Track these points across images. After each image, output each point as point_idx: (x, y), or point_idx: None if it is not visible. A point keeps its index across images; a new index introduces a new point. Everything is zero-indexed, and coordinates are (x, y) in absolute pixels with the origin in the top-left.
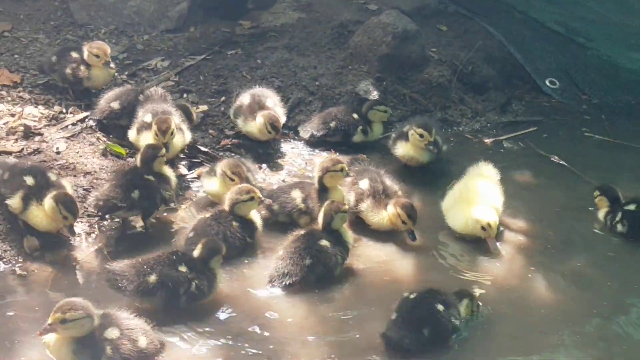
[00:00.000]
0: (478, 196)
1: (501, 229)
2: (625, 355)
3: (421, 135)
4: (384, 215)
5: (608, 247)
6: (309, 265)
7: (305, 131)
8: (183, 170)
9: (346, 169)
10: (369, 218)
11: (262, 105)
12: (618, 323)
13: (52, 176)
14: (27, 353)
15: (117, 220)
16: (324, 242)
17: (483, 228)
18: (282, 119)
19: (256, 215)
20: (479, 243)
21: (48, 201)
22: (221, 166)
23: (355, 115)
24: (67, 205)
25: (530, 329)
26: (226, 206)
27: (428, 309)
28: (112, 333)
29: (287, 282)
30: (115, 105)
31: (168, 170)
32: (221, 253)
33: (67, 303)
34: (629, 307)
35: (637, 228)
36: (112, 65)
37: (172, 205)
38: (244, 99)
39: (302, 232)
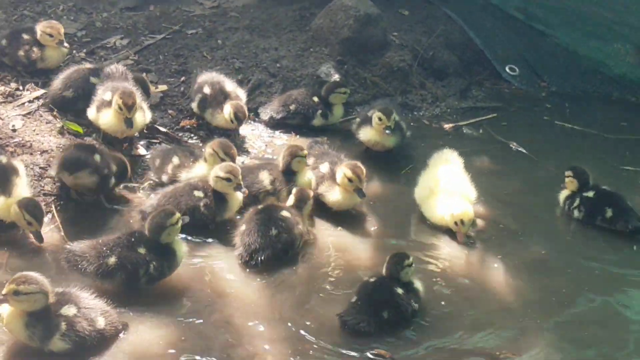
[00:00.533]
0: (453, 188)
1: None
2: (583, 339)
3: (379, 119)
4: (336, 189)
5: (566, 232)
6: (276, 235)
7: (265, 113)
8: (141, 150)
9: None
10: (325, 197)
11: (225, 93)
12: (575, 308)
13: (3, 158)
14: None
15: (72, 198)
16: (285, 213)
17: (456, 223)
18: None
19: (235, 197)
20: (442, 229)
21: (13, 207)
22: (212, 146)
23: (315, 99)
24: (31, 211)
25: (488, 313)
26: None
27: (388, 292)
28: (68, 310)
29: (261, 258)
30: (68, 93)
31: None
32: (171, 225)
33: (23, 276)
34: (586, 293)
35: (593, 215)
36: (65, 44)
37: (129, 184)
38: (205, 89)
39: (260, 206)
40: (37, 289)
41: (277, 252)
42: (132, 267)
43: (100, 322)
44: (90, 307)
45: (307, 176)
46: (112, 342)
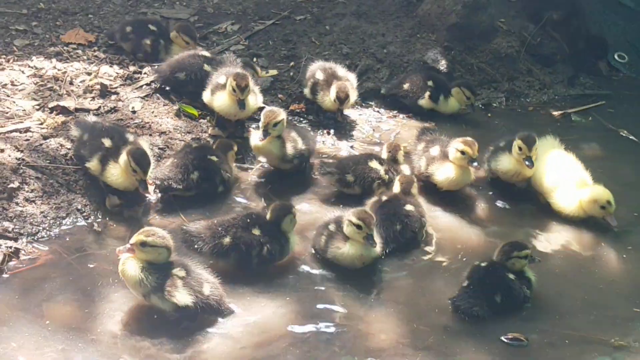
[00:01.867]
0: (578, 175)
1: None
2: None
3: (519, 148)
4: (448, 166)
5: None
6: (400, 231)
7: (383, 89)
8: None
9: None
10: (436, 177)
11: (337, 77)
12: None
13: (130, 136)
14: (111, 302)
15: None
16: (409, 207)
17: (603, 207)
18: (354, 91)
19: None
20: (555, 217)
21: (123, 155)
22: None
23: (430, 82)
24: (137, 159)
25: (598, 298)
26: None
27: (499, 277)
28: (180, 272)
29: (386, 251)
30: (181, 75)
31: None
32: (291, 214)
33: (150, 229)
34: None
35: None
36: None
37: (241, 165)
38: (317, 74)
39: (384, 197)
40: (163, 242)
41: (400, 246)
42: (246, 248)
43: (206, 289)
44: (199, 274)
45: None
46: (226, 315)
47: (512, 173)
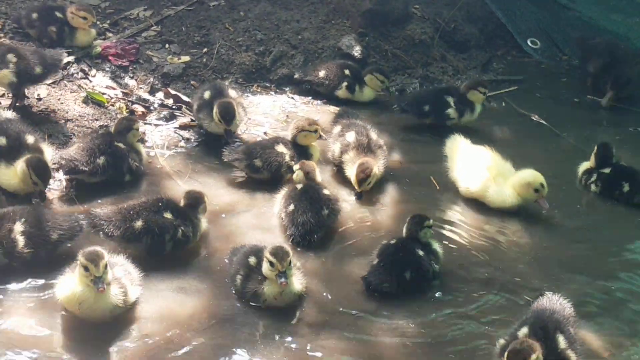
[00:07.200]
0: (504, 167)
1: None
2: (598, 304)
3: None
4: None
5: (585, 203)
6: (328, 215)
7: (298, 72)
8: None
9: (320, 130)
10: (346, 171)
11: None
12: (591, 275)
13: (30, 138)
14: None
15: None
16: (327, 191)
17: (536, 190)
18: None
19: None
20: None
21: (20, 164)
22: None
23: (347, 72)
24: (39, 171)
25: (506, 273)
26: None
27: (409, 253)
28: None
29: (314, 239)
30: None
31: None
32: (205, 202)
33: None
34: (607, 261)
35: (608, 190)
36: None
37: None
38: (205, 94)
39: (299, 186)
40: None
41: (326, 231)
42: (159, 231)
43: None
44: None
45: (316, 150)
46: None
47: None
